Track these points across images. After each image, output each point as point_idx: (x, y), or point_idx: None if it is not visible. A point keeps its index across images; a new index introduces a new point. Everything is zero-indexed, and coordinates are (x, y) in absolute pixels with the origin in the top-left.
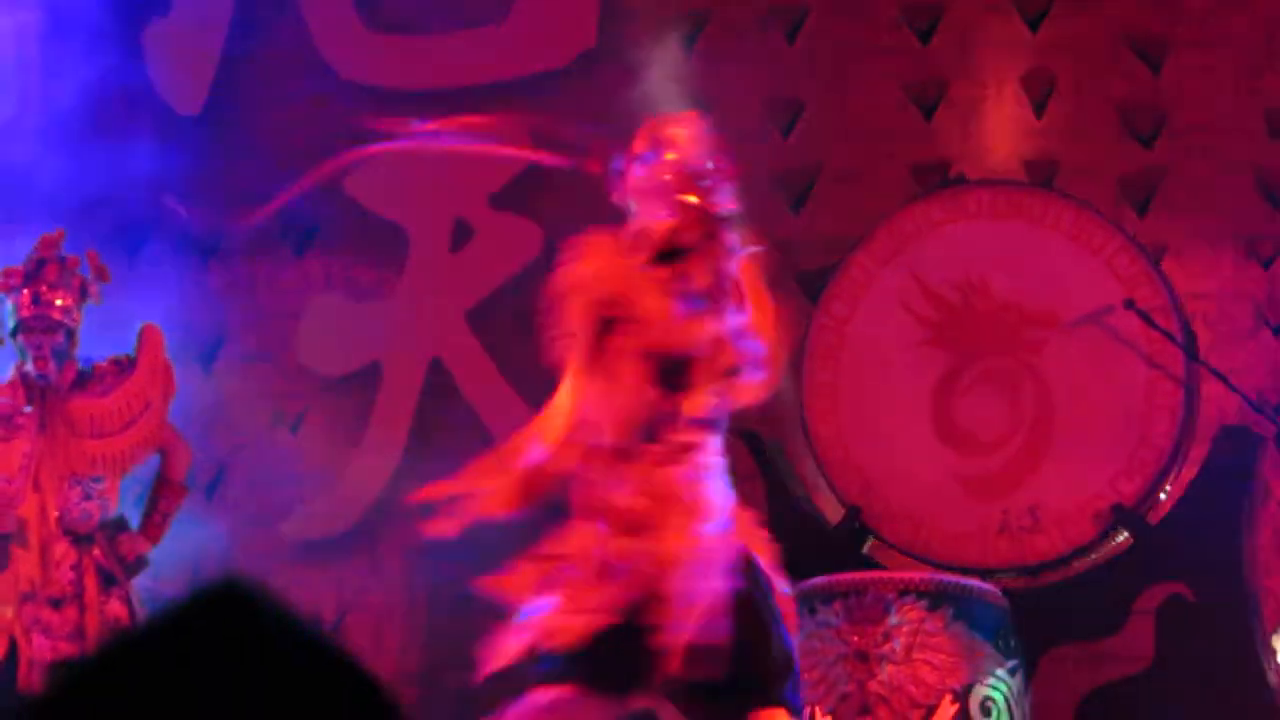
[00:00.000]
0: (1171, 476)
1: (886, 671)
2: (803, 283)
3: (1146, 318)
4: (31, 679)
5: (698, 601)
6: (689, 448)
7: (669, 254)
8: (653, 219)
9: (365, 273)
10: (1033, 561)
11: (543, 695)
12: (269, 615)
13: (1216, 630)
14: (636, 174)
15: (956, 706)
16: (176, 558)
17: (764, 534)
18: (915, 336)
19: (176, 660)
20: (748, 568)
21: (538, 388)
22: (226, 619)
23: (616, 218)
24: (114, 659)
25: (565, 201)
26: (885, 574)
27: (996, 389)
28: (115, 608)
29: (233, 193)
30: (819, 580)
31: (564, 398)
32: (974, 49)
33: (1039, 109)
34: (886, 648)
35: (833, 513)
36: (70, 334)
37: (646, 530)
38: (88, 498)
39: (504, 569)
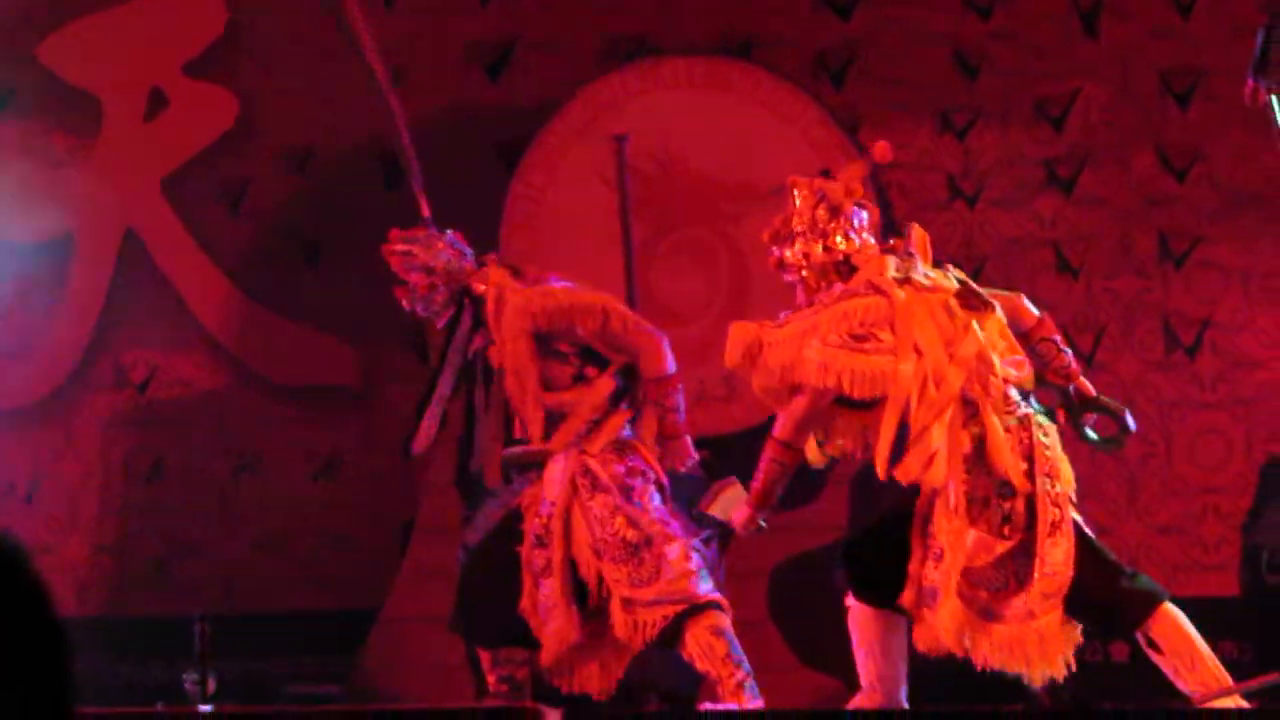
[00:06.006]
0: None
1: None
2: (500, 152)
3: None
4: None
5: None
6: None
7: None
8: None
9: (59, 140)
10: (728, 430)
11: None
12: None
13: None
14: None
15: None
16: None
17: None
18: (612, 206)
19: None
20: None
21: (232, 257)
22: None
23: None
24: None
25: (261, 70)
26: None
27: (693, 260)
28: None
29: None
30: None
31: None
32: None
33: None
34: None
35: None
36: None
37: None
38: None
39: None
